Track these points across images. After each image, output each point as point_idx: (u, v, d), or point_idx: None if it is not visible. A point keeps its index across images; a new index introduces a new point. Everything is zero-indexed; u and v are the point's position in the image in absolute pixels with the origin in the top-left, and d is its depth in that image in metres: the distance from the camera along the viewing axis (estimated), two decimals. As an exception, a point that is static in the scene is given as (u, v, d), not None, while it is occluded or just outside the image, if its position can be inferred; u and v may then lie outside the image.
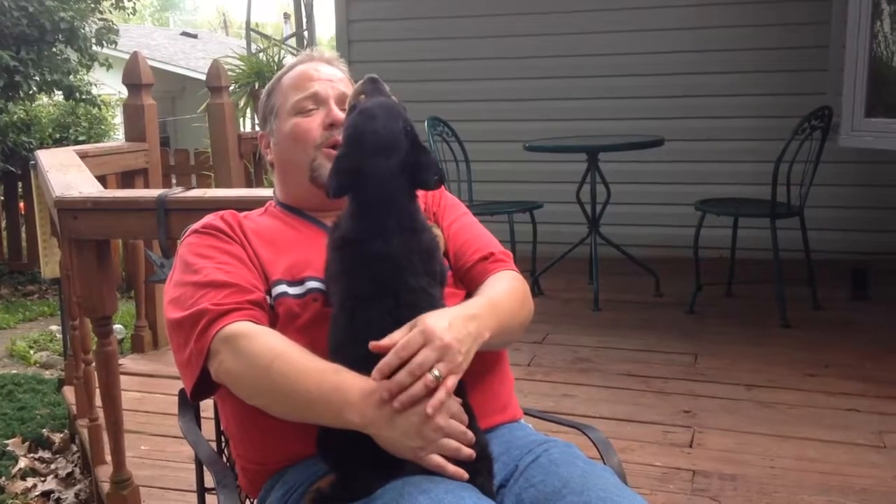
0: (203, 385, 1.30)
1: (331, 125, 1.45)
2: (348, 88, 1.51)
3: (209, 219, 1.44)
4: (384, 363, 1.15)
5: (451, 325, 1.20)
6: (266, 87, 1.58)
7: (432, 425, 1.14)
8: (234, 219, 1.45)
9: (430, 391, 1.14)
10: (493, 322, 1.29)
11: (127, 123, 4.09)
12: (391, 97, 1.32)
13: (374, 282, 1.22)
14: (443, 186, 1.57)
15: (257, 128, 1.62)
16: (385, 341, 1.17)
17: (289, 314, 1.33)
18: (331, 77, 1.51)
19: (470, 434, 1.18)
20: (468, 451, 1.16)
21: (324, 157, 1.44)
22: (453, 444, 1.15)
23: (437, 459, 1.14)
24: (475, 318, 1.26)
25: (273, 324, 1.32)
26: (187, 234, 1.45)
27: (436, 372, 1.14)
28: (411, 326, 1.18)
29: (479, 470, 1.19)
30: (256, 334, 1.25)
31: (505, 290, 1.41)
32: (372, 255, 1.22)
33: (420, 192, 1.31)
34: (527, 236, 4.38)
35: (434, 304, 1.25)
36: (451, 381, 1.16)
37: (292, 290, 1.35)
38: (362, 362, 1.18)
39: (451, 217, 1.53)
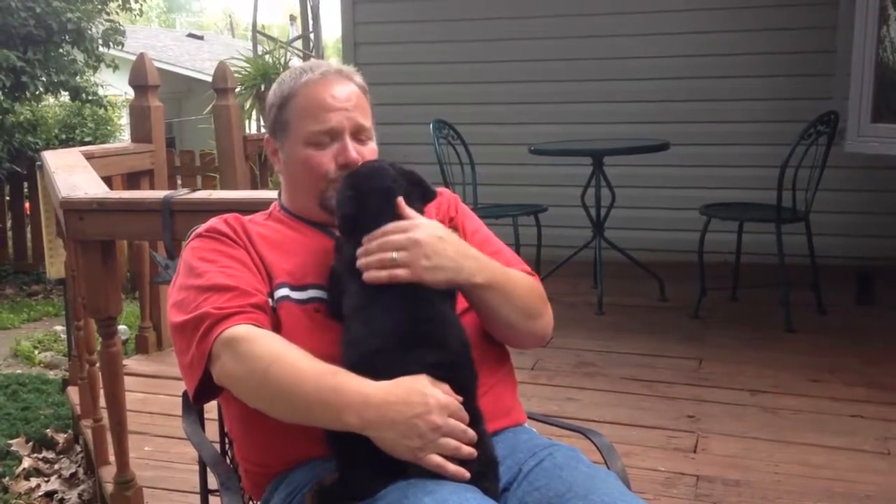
0: (206, 388, 1.30)
1: (345, 165, 1.40)
2: (364, 114, 1.44)
3: (213, 222, 1.44)
4: (376, 232, 1.26)
5: (442, 237, 1.28)
6: (275, 93, 1.48)
7: (430, 424, 1.14)
8: (237, 222, 1.44)
9: (387, 271, 1.23)
10: (496, 278, 1.34)
11: (133, 124, 4.10)
12: None
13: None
14: (457, 196, 1.59)
15: (262, 129, 1.61)
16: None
17: (291, 317, 1.33)
18: (346, 104, 1.42)
19: (471, 432, 1.17)
20: (468, 450, 1.16)
21: (335, 189, 1.40)
22: (452, 443, 1.15)
23: (437, 459, 1.14)
24: (476, 259, 1.32)
25: (277, 327, 1.32)
26: (191, 237, 1.45)
27: (394, 254, 1.23)
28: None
29: (485, 473, 1.19)
30: (257, 338, 1.25)
31: (523, 275, 1.45)
32: None
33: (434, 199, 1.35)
34: (531, 240, 4.37)
35: (442, 295, 1.27)
36: (401, 273, 1.23)
37: (295, 295, 1.35)
38: (371, 360, 1.19)
39: (473, 226, 1.54)
